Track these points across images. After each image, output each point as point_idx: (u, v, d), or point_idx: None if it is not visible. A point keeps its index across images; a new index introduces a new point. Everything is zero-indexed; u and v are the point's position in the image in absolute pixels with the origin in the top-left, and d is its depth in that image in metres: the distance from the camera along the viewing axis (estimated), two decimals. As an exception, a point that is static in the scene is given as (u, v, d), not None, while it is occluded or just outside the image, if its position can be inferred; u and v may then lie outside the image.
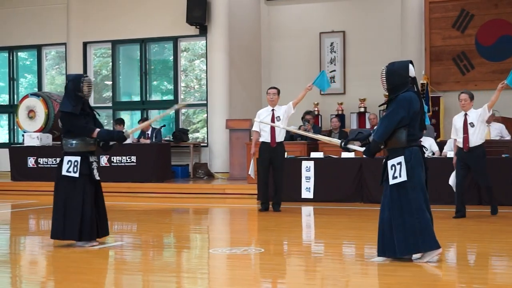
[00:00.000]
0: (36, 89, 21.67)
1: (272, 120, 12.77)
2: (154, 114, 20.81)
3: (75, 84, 8.74)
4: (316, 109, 19.10)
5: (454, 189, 12.12)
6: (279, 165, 12.82)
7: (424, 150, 7.76)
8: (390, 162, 7.46)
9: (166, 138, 18.77)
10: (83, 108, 8.79)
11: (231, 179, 17.70)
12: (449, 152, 13.90)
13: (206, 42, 19.55)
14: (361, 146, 7.77)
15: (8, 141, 22.07)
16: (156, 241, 9.46)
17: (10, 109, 22.01)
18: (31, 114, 19.90)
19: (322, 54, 19.83)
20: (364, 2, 19.65)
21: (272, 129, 12.67)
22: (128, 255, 8.43)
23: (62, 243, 8.95)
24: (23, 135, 19.65)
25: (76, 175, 8.63)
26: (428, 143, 14.26)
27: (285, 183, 13.70)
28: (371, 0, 19.60)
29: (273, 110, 12.91)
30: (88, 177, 8.72)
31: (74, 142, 8.74)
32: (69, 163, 8.66)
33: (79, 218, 8.58)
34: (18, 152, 18.73)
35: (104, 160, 17.02)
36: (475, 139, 11.56)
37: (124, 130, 9.05)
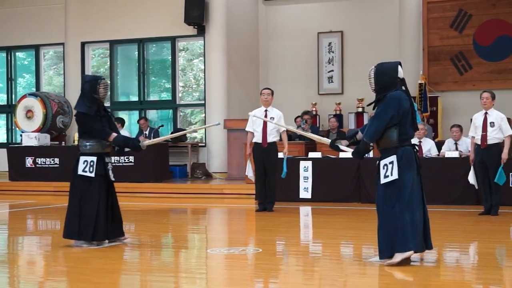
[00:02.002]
0: (34, 89, 21.66)
1: (265, 122, 12.77)
2: (152, 114, 20.82)
3: (91, 85, 8.74)
4: (314, 109, 19.10)
5: (476, 187, 12.36)
6: (272, 166, 12.83)
7: (416, 148, 7.70)
8: (382, 162, 7.40)
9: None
10: (98, 110, 8.79)
11: (229, 179, 17.70)
12: (447, 152, 13.93)
13: (204, 42, 19.54)
14: (349, 144, 7.73)
15: (6, 141, 22.05)
16: (154, 241, 9.47)
17: (8, 109, 22.00)
18: (29, 114, 19.90)
19: (320, 54, 19.84)
20: (362, 2, 19.65)
21: (264, 130, 12.70)
22: (127, 255, 8.43)
23: (60, 243, 8.95)
24: (21, 135, 19.65)
25: (92, 175, 8.66)
26: (428, 146, 14.25)
27: (283, 183, 13.71)
28: (369, 0, 19.60)
29: (266, 111, 12.91)
30: (103, 177, 8.75)
31: (90, 143, 8.77)
32: (85, 163, 8.70)
33: (94, 218, 8.61)
34: (16, 152, 18.72)
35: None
36: (493, 137, 11.75)
37: (141, 141, 9.03)
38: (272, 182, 12.89)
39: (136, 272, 7.39)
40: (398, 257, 7.20)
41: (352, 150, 7.72)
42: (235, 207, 14.48)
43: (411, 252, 7.24)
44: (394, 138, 7.36)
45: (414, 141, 14.26)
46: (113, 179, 8.89)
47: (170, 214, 13.68)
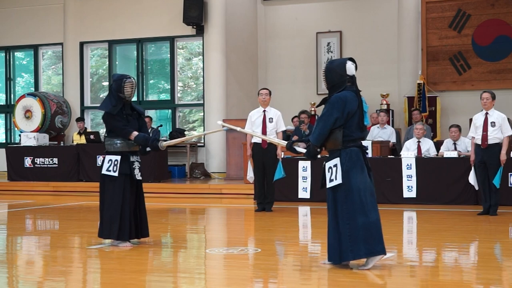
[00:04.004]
0: (32, 89, 21.67)
1: (264, 121, 12.79)
2: (151, 114, 20.81)
3: (117, 84, 8.72)
4: (312, 109, 19.10)
5: (476, 188, 12.35)
6: (271, 166, 12.83)
7: (366, 150, 7.46)
8: (327, 165, 7.22)
9: (163, 138, 18.75)
10: (123, 109, 8.79)
11: (228, 179, 17.71)
12: (446, 152, 13.93)
13: (203, 42, 19.54)
14: (306, 147, 7.48)
15: (4, 141, 22.05)
16: (153, 241, 9.46)
17: (7, 109, 22.00)
18: (27, 114, 19.90)
19: (318, 54, 19.84)
20: (360, 2, 19.66)
21: (263, 130, 12.71)
22: (125, 255, 8.42)
23: (59, 243, 8.95)
24: (19, 135, 19.64)
25: (116, 174, 8.64)
26: (427, 146, 14.25)
27: (282, 183, 13.72)
28: (368, 0, 19.61)
29: (264, 111, 12.92)
30: (128, 176, 8.73)
31: (116, 142, 8.75)
32: (110, 162, 8.69)
33: (119, 217, 8.62)
34: (14, 152, 18.71)
35: (100, 160, 16.97)
36: (494, 137, 11.74)
37: (160, 140, 8.97)
38: (271, 182, 12.90)
39: (134, 272, 7.38)
40: (370, 263, 7.06)
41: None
42: (234, 207, 14.48)
43: (381, 255, 7.09)
44: (339, 140, 7.13)
45: (413, 141, 14.36)
46: (139, 178, 8.84)
47: (169, 214, 13.67)
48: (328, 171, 7.21)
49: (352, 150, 7.15)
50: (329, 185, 7.18)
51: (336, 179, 7.11)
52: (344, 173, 7.08)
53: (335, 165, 7.14)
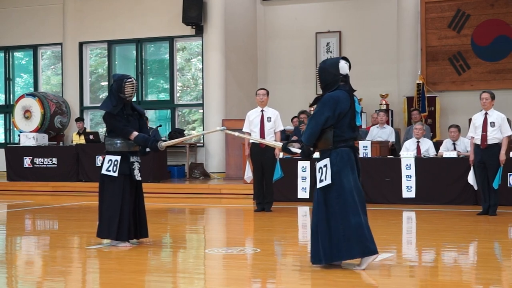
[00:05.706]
0: (32, 89, 21.66)
1: (262, 120, 12.81)
2: (150, 114, 20.81)
3: (118, 85, 8.72)
4: (312, 109, 19.07)
5: (475, 188, 12.34)
6: (270, 166, 12.83)
7: (357, 150, 7.42)
8: (318, 165, 7.19)
9: (162, 138, 18.70)
10: (124, 109, 8.78)
11: (227, 179, 17.70)
12: (445, 152, 13.93)
13: (202, 42, 19.54)
14: (300, 147, 7.44)
15: (4, 141, 22.04)
16: (152, 241, 9.46)
17: (6, 109, 21.99)
18: (27, 114, 19.89)
19: (318, 54, 19.83)
20: (360, 2, 19.65)
21: (261, 130, 12.73)
22: (125, 255, 8.42)
23: (58, 244, 8.94)
24: (19, 135, 19.64)
25: (115, 174, 8.64)
26: (426, 146, 14.25)
27: (281, 184, 13.71)
28: (367, 0, 19.60)
29: (262, 111, 12.93)
30: (128, 177, 8.73)
31: (117, 142, 8.75)
32: (110, 162, 8.69)
33: (118, 217, 8.61)
34: (14, 152, 18.71)
35: (100, 160, 16.99)
36: (493, 137, 11.73)
37: (160, 140, 8.93)
38: (270, 182, 12.91)
39: (134, 272, 7.38)
40: (365, 262, 7.04)
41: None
42: (233, 207, 14.48)
43: (376, 255, 7.07)
44: (330, 140, 7.11)
45: (412, 141, 14.36)
46: (139, 178, 8.84)
47: (168, 214, 13.68)
48: (319, 172, 7.18)
49: (343, 150, 7.13)
50: (319, 185, 7.14)
51: (326, 179, 7.08)
52: (335, 173, 7.06)
53: (325, 165, 7.11)
